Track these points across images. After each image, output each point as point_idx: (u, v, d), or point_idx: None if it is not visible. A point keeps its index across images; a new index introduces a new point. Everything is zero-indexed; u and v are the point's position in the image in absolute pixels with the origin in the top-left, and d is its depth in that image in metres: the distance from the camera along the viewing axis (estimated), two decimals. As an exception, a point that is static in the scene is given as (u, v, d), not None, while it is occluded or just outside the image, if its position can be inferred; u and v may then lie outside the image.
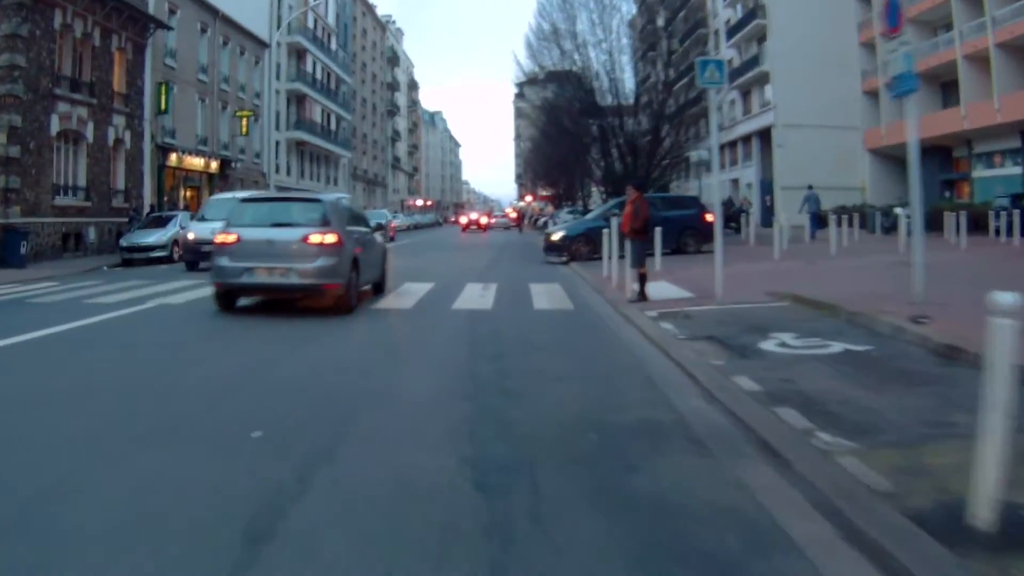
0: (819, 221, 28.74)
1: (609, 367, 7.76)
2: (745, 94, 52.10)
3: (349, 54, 73.87)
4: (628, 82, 35.92)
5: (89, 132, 28.81)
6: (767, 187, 47.34)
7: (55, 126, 26.74)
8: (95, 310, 12.25)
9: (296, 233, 11.64)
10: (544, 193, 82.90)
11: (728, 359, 7.60)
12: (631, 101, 34.50)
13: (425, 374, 7.50)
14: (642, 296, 12.35)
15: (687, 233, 23.27)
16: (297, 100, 55.57)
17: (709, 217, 25.85)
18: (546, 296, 14.00)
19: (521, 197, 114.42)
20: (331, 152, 63.91)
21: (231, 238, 11.70)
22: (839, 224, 24.54)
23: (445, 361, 8.13)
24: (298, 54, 55.82)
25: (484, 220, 70.61)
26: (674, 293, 13.25)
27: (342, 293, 11.70)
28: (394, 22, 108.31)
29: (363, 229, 13.74)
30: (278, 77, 51.48)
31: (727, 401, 5.98)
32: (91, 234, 28.72)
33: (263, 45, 47.70)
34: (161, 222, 26.73)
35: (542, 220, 65.96)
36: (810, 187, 30.58)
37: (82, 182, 28.63)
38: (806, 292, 11.64)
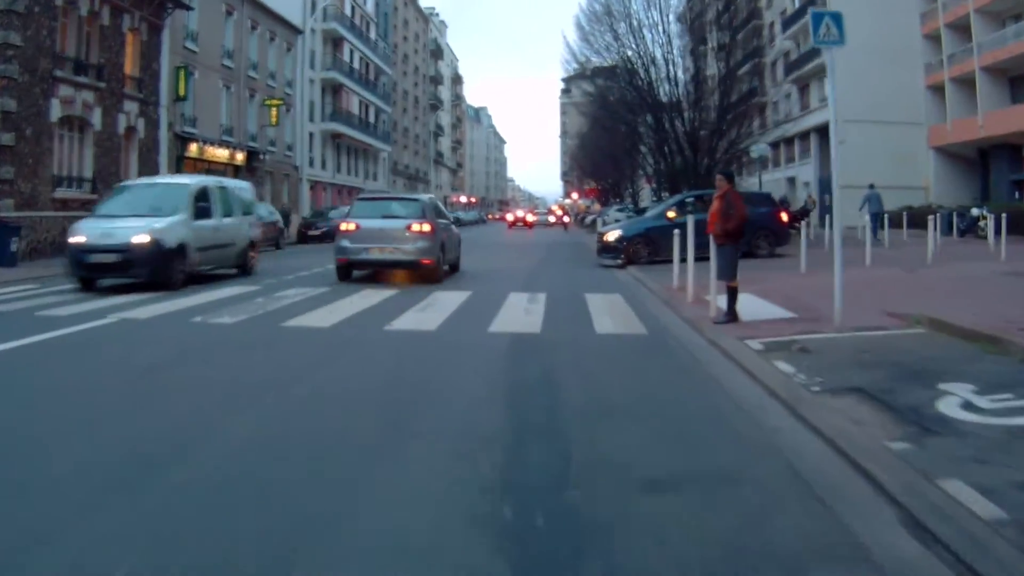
0: (880, 221, 26.85)
1: (731, 452, 4.65)
2: (802, 88, 48.85)
3: (390, 45, 71.20)
4: (683, 72, 32.56)
5: (96, 118, 26.27)
6: (826, 185, 44.07)
7: (56, 111, 24.17)
8: (41, 326, 9.39)
9: (401, 223, 15.58)
10: (590, 188, 79.76)
11: (904, 435, 4.73)
12: (689, 91, 31.08)
13: (422, 496, 4.25)
14: (732, 316, 9.42)
15: (760, 234, 20.50)
16: (333, 90, 52.91)
17: (785, 216, 22.73)
18: (608, 312, 10.98)
19: (567, 194, 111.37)
20: (370, 145, 61.23)
21: (352, 226, 15.68)
22: (909, 225, 21.46)
23: (459, 453, 4.60)
24: (334, 42, 53.17)
25: (530, 218, 73.04)
26: (768, 311, 10.16)
27: (434, 267, 15.60)
28: (437, 14, 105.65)
29: (445, 221, 17.63)
30: (312, 66, 48.85)
31: (962, 550, 3.15)
32: (98, 230, 26.16)
33: (296, 31, 45.10)
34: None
35: (590, 218, 63.26)
36: (871, 186, 28.91)
37: (88, 173, 26.10)
38: (939, 313, 8.59)
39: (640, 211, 35.00)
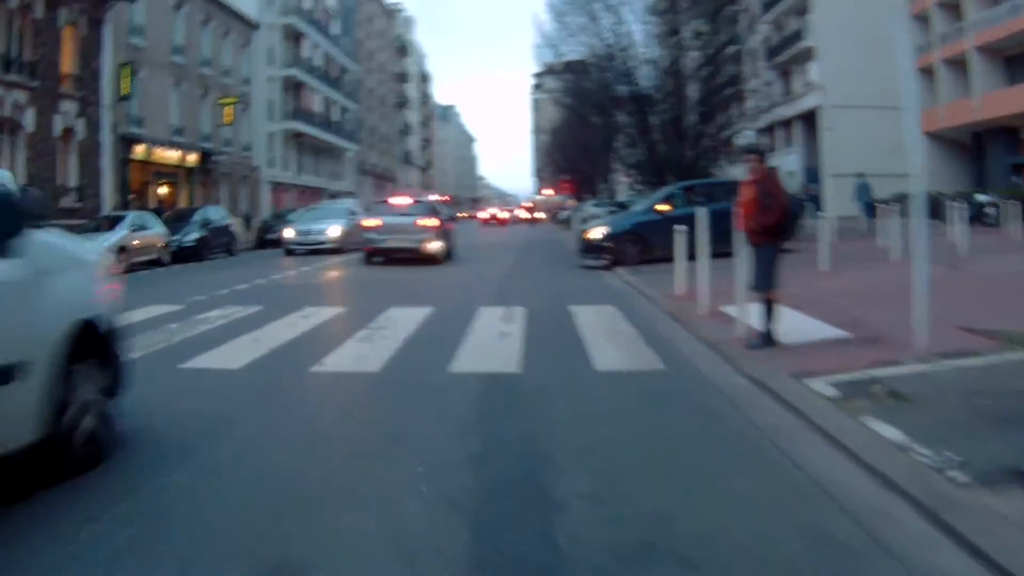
0: (872, 211, 25.55)
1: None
2: (784, 74, 47.20)
3: (354, 41, 68.84)
4: (663, 56, 30.65)
5: (29, 120, 24.08)
6: (812, 175, 42.56)
7: (-20, 112, 22.04)
8: None
9: (413, 220, 20.75)
10: (564, 182, 77.97)
11: None
12: (670, 75, 29.15)
13: None
14: (769, 338, 7.44)
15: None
16: (294, 88, 50.56)
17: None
18: (605, 334, 8.97)
19: (540, 191, 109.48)
20: (334, 145, 58.92)
21: (377, 222, 20.92)
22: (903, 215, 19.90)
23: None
24: (295, 37, 50.84)
25: (503, 215, 73.99)
26: (810, 328, 8.15)
27: (442, 253, 20.79)
28: (403, 10, 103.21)
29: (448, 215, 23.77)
30: (271, 62, 46.56)
31: None
32: (32, 241, 23.92)
33: (252, 26, 42.84)
34: (109, 224, 21.91)
35: (564, 214, 61.37)
36: (860, 175, 27.75)
37: (20, 178, 23.81)
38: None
39: (620, 205, 33.11)
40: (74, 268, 4.72)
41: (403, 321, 10.12)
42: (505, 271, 18.53)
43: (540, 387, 6.45)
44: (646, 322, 9.88)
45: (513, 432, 5.12)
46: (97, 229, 21.65)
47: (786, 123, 45.73)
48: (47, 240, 4.44)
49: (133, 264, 19.94)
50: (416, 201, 24.09)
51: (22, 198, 4.25)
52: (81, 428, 4.30)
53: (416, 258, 20.01)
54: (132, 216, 21.76)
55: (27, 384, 3.78)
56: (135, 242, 20.78)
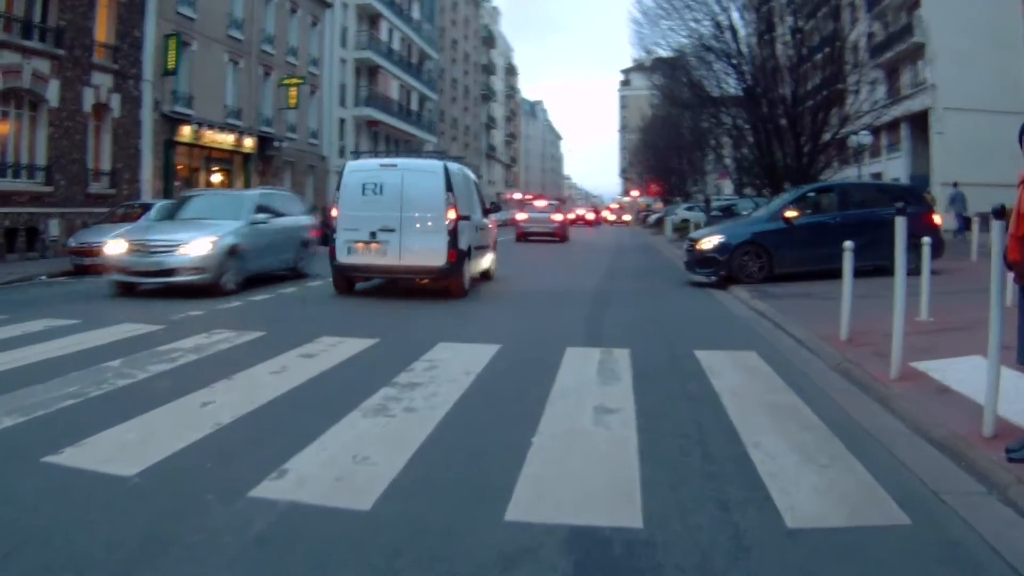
0: (966, 223, 24.34)
1: None
2: (891, 73, 42.09)
3: (436, 27, 65.65)
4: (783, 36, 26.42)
5: (52, 93, 21.13)
6: (921, 183, 37.70)
7: (-11, 81, 19.17)
8: None
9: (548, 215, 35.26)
10: (651, 183, 73.74)
11: None
12: (789, 56, 24.96)
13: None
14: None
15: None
16: (369, 72, 47.42)
17: (937, 219, 16.63)
18: (767, 414, 5.26)
19: (627, 192, 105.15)
20: (412, 135, 55.69)
21: (526, 216, 35.13)
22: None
23: None
24: (371, 19, 47.71)
25: (590, 216, 68.88)
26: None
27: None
28: (489, 0, 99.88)
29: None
30: (344, 44, 43.45)
31: None
32: (53, 229, 21.04)
33: (323, 4, 39.76)
34: (132, 216, 18.81)
35: (654, 217, 57.41)
36: (955, 184, 27.05)
37: (40, 159, 20.96)
38: None
39: (727, 211, 29.03)
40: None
41: (449, 371, 6.55)
42: (596, 285, 14.82)
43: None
44: (817, 389, 6.17)
45: None
46: (125, 218, 18.60)
47: (892, 126, 40.68)
48: None
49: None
50: (549, 203, 38.46)
51: None
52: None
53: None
54: (159, 207, 18.44)
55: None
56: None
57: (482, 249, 14.47)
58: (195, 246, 12.35)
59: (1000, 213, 4.53)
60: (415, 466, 4.17)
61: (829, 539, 3.31)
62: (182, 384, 5.94)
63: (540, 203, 38.83)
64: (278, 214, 15.15)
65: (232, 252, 12.84)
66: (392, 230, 11.91)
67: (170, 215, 14.97)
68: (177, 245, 12.40)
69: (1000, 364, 4.49)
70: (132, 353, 7.23)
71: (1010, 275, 4.74)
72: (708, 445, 4.56)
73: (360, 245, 12.10)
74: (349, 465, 4.18)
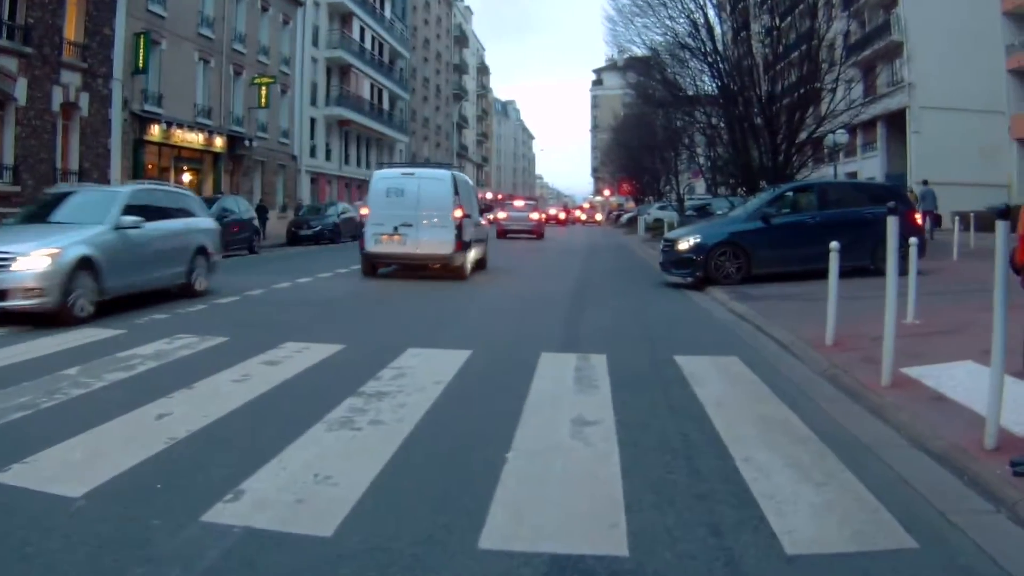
0: (937, 221, 25.41)
1: None
2: (868, 71, 42.35)
3: (408, 26, 65.30)
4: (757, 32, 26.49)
5: (20, 91, 20.76)
6: (897, 182, 38.07)
7: (-47, 78, 18.76)
8: None
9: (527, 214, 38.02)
10: (623, 182, 73.96)
11: None
12: (766, 54, 25.03)
13: None
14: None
15: (884, 244, 14.31)
16: (340, 71, 47.03)
17: (919, 218, 16.79)
18: (754, 426, 5.14)
19: (599, 192, 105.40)
20: (383, 135, 55.34)
21: (505, 215, 37.99)
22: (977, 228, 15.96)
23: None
24: (342, 18, 47.33)
25: (562, 216, 70.66)
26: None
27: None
28: (461, 0, 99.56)
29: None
30: (316, 43, 43.08)
31: None
32: (18, 231, 20.61)
33: (295, 2, 39.41)
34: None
35: (626, 216, 57.60)
36: (925, 182, 26.59)
37: (7, 159, 20.60)
38: None
39: (701, 210, 29.11)
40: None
41: (418, 380, 6.38)
42: (571, 287, 14.84)
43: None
44: (805, 398, 6.05)
45: None
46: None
47: (867, 125, 40.97)
48: None
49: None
50: (527, 203, 41.48)
51: None
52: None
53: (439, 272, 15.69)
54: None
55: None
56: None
57: (479, 242, 17.19)
58: (30, 260, 9.09)
59: (1004, 213, 4.37)
60: (380, 486, 3.99)
61: (834, 566, 3.15)
62: (138, 395, 5.71)
63: (519, 203, 42.00)
64: (165, 215, 12.00)
65: (84, 266, 9.61)
66: (410, 225, 14.82)
67: (31, 218, 11.35)
68: (10, 259, 9.08)
69: (1003, 372, 4.42)
70: (90, 360, 7.03)
71: (1015, 277, 4.67)
72: (695, 460, 4.47)
73: (385, 237, 15.03)
74: (310, 485, 4.00)
